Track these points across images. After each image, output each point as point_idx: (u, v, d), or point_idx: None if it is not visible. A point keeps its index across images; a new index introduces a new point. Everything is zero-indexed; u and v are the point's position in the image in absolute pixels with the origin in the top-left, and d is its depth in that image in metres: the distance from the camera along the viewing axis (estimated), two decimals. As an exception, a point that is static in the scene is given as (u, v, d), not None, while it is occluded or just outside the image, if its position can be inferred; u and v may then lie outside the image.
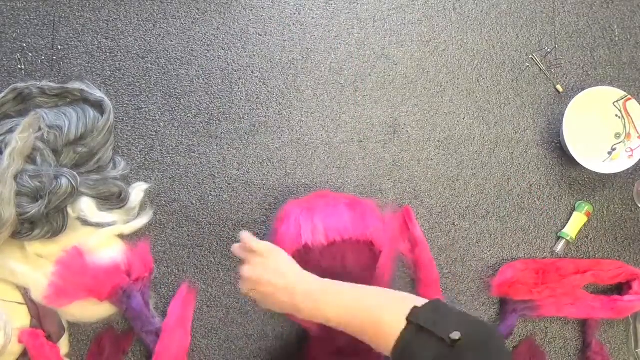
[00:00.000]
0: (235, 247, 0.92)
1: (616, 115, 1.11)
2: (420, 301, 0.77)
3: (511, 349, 1.08)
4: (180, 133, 1.11)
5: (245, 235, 0.90)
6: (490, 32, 1.16)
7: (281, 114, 1.12)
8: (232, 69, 1.13)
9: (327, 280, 0.84)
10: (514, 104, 1.15)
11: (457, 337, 0.69)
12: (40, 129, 1.01)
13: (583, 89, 1.08)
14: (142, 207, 1.07)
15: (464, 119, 1.14)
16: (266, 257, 0.87)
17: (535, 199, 1.13)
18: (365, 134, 1.13)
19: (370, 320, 0.77)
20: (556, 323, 1.09)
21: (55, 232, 0.99)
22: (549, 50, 1.16)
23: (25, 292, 0.99)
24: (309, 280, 0.85)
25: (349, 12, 1.15)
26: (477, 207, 1.12)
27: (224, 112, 1.12)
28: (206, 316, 1.06)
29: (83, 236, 1.02)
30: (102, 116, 1.06)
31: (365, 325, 0.78)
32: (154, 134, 1.11)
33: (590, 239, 1.12)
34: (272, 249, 0.88)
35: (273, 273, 0.85)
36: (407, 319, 0.74)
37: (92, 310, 1.02)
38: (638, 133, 1.09)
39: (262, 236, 1.09)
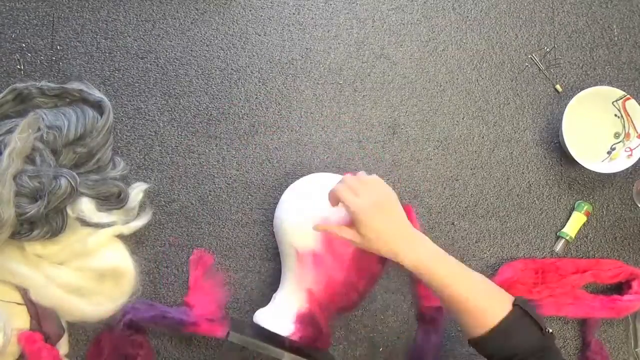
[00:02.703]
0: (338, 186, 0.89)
1: (615, 115, 1.11)
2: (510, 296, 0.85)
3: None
4: (180, 133, 1.11)
5: (361, 173, 0.91)
6: (489, 32, 1.16)
7: (280, 114, 1.12)
8: (232, 69, 1.13)
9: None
10: (513, 104, 1.15)
11: (551, 331, 0.82)
12: (39, 129, 1.01)
13: (582, 89, 1.08)
14: (142, 207, 1.07)
15: (463, 118, 1.14)
16: (384, 186, 0.88)
17: (535, 199, 1.13)
18: (365, 133, 1.13)
19: (478, 295, 0.83)
20: (556, 323, 1.09)
21: (55, 232, 0.99)
22: (548, 50, 1.16)
23: (24, 292, 0.99)
24: (418, 232, 0.87)
25: (348, 12, 1.15)
26: (476, 206, 1.12)
27: (223, 112, 1.12)
28: (206, 316, 1.07)
29: (82, 237, 1.02)
30: (102, 116, 1.06)
31: (472, 297, 0.82)
32: (153, 134, 1.11)
33: (590, 239, 1.12)
34: (386, 186, 0.89)
35: (393, 205, 0.87)
36: (515, 303, 0.82)
37: (92, 311, 1.02)
38: (637, 132, 1.09)
39: (262, 236, 1.09)
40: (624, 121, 1.10)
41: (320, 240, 0.94)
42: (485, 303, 0.83)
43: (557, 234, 1.12)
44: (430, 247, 0.86)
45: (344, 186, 0.87)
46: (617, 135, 1.12)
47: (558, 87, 1.15)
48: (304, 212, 0.96)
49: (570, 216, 1.12)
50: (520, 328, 0.81)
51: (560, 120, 1.09)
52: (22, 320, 0.98)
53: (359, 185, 0.87)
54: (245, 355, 1.06)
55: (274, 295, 1.01)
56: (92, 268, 1.02)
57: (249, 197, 1.10)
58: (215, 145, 1.11)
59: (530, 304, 0.84)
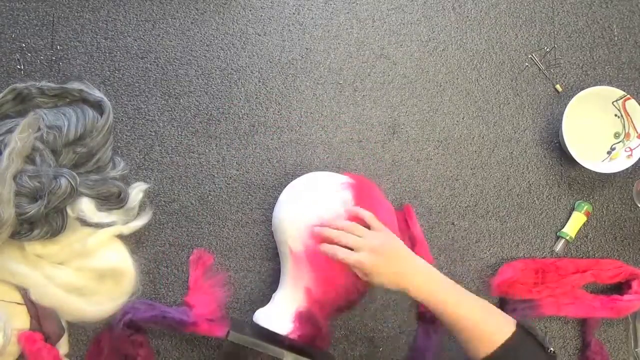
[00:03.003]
0: (344, 224, 0.93)
1: (615, 115, 1.11)
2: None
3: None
4: (180, 133, 1.11)
5: (360, 210, 0.93)
6: (489, 32, 1.16)
7: (280, 114, 1.12)
8: (231, 69, 1.13)
9: (432, 267, 0.90)
10: (513, 104, 1.15)
11: (554, 351, 0.84)
12: (39, 129, 1.01)
13: (582, 89, 1.08)
14: (142, 207, 1.07)
15: (463, 118, 1.14)
16: (384, 232, 0.91)
17: (535, 199, 1.13)
18: (365, 133, 1.13)
19: (481, 317, 0.85)
20: (556, 322, 1.09)
21: (55, 232, 0.99)
22: (548, 50, 1.16)
23: (24, 292, 0.99)
24: (426, 264, 0.90)
25: (348, 12, 1.15)
26: (476, 206, 1.12)
27: (223, 112, 1.12)
28: (206, 316, 1.07)
29: (82, 237, 1.02)
30: (102, 116, 1.06)
31: (476, 319, 0.85)
32: (153, 134, 1.11)
33: (590, 239, 1.12)
34: (388, 230, 0.92)
35: (394, 247, 0.90)
36: (518, 324, 0.85)
37: (92, 311, 1.02)
38: (637, 132, 1.09)
39: (262, 236, 1.09)
40: (624, 121, 1.10)
41: (317, 240, 0.94)
42: (490, 324, 0.85)
43: (557, 234, 1.12)
44: (437, 278, 0.89)
45: (341, 249, 0.90)
46: (617, 135, 1.12)
47: (558, 87, 1.15)
48: (301, 211, 0.96)
49: (570, 216, 1.12)
50: (524, 347, 0.84)
51: (560, 120, 1.09)
52: (22, 320, 0.98)
53: (355, 240, 0.90)
54: (245, 354, 1.06)
55: (273, 295, 1.01)
56: (92, 268, 1.02)
57: (249, 197, 1.10)
58: (215, 145, 1.11)
59: (532, 326, 0.86)
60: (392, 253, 0.90)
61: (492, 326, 0.85)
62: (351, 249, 0.90)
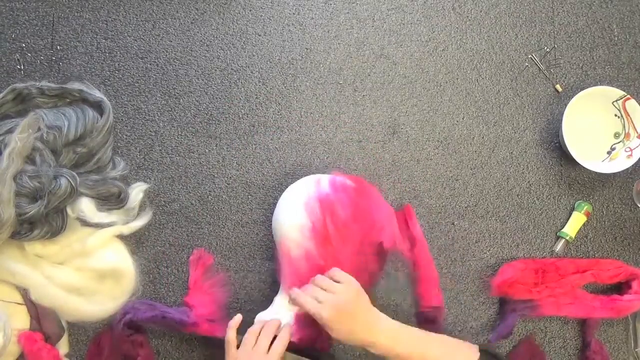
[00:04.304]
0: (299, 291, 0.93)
1: (615, 115, 1.11)
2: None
3: (510, 348, 1.08)
4: (180, 133, 1.11)
5: (332, 269, 0.94)
6: (489, 32, 1.16)
7: (280, 114, 1.12)
8: (231, 69, 1.13)
9: (396, 322, 0.92)
10: (513, 104, 1.15)
11: None
12: (39, 129, 1.01)
13: (582, 89, 1.08)
14: (142, 207, 1.07)
15: (463, 118, 1.14)
16: (350, 288, 0.91)
17: (535, 199, 1.13)
18: (365, 133, 1.13)
19: (443, 357, 0.89)
20: (556, 322, 1.09)
21: (55, 232, 0.99)
22: (548, 50, 1.16)
23: (24, 292, 0.99)
24: (385, 318, 0.92)
25: (348, 12, 1.15)
26: (476, 206, 1.12)
27: (223, 112, 1.12)
28: (206, 316, 1.07)
29: (82, 237, 1.02)
30: (102, 116, 1.06)
31: (441, 355, 0.89)
32: (153, 134, 1.11)
33: (590, 239, 1.12)
34: (354, 282, 0.92)
35: (356, 306, 0.90)
36: (481, 349, 0.90)
37: (92, 311, 1.02)
38: (637, 133, 1.09)
39: (262, 236, 1.09)
40: (624, 121, 1.10)
41: (315, 243, 0.94)
42: (455, 358, 0.89)
43: (557, 234, 1.12)
44: (398, 334, 0.91)
45: (305, 297, 0.91)
46: (617, 135, 1.12)
47: (558, 87, 1.15)
48: (298, 215, 0.96)
49: (570, 216, 1.12)
50: None
51: (560, 120, 1.09)
52: (22, 320, 0.98)
53: (320, 293, 0.91)
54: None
55: (274, 298, 1.01)
56: (92, 268, 1.02)
57: (249, 197, 1.10)
58: (215, 145, 1.11)
59: (494, 349, 0.91)
60: (353, 310, 0.90)
61: (460, 358, 0.90)
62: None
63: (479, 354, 0.89)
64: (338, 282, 0.92)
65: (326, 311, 0.89)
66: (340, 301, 0.89)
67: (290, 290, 0.94)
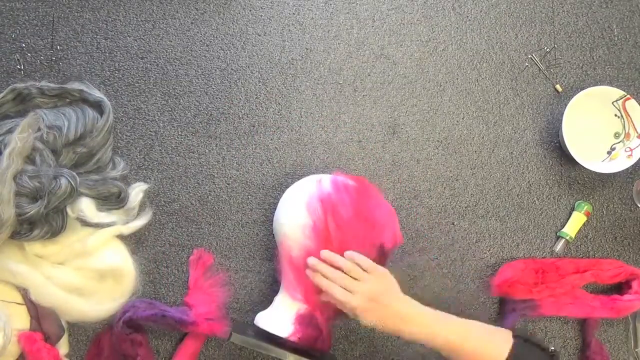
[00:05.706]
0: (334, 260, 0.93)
1: (615, 115, 1.11)
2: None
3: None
4: (180, 133, 1.11)
5: (357, 255, 0.93)
6: (489, 32, 1.16)
7: (280, 114, 1.12)
8: (231, 69, 1.13)
9: (431, 311, 0.92)
10: (513, 104, 1.15)
11: (555, 349, 0.94)
12: (39, 129, 1.01)
13: (582, 89, 1.08)
14: (142, 207, 1.07)
15: (463, 118, 1.14)
16: (381, 277, 0.92)
17: (535, 199, 1.13)
18: (365, 133, 1.13)
19: (482, 341, 0.89)
20: (556, 322, 1.10)
21: (55, 232, 0.99)
22: (548, 50, 1.16)
23: (24, 292, 0.99)
24: (419, 306, 0.92)
25: (348, 12, 1.15)
26: (476, 206, 1.12)
27: (223, 112, 1.12)
28: (206, 316, 1.07)
29: (82, 237, 1.02)
30: (102, 116, 1.06)
31: (478, 345, 0.88)
32: (153, 134, 1.11)
33: (590, 239, 1.12)
34: (386, 271, 0.93)
35: (389, 296, 0.91)
36: (514, 335, 0.89)
37: (92, 311, 1.02)
38: (637, 132, 1.09)
39: (262, 236, 1.09)
40: (624, 121, 1.10)
41: (317, 242, 0.94)
42: (491, 346, 0.89)
43: (557, 234, 1.12)
44: (431, 320, 0.91)
45: (335, 286, 0.91)
46: (617, 135, 1.12)
47: (558, 87, 1.15)
48: (300, 214, 0.96)
49: (570, 216, 1.12)
50: (528, 354, 0.89)
51: (560, 120, 1.09)
52: (22, 320, 0.98)
53: (351, 282, 0.91)
54: (247, 356, 1.06)
55: (275, 298, 1.01)
56: (92, 268, 1.02)
57: (249, 197, 1.10)
58: (215, 145, 1.11)
59: (527, 332, 0.90)
60: (386, 300, 0.90)
61: (494, 345, 0.88)
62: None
63: (513, 340, 0.89)
64: (365, 271, 0.92)
65: (357, 300, 0.89)
66: (372, 291, 0.90)
67: (316, 277, 0.92)
